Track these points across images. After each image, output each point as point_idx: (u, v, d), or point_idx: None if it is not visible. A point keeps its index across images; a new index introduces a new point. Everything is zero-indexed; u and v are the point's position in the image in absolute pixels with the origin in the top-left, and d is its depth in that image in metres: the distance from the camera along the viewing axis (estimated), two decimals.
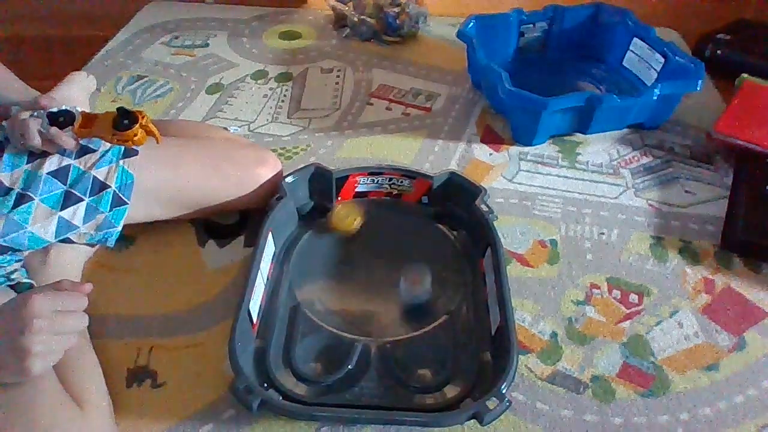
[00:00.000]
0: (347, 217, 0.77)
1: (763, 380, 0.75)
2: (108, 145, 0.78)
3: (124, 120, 0.70)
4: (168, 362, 0.75)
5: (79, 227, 0.74)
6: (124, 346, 0.76)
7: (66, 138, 0.71)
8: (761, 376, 0.75)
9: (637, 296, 0.84)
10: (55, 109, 0.71)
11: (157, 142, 0.74)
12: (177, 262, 0.87)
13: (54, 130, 0.70)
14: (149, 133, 0.72)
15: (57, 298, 0.56)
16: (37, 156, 0.74)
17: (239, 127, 1.14)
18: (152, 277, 0.85)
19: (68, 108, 0.72)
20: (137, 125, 0.70)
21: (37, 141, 0.70)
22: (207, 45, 1.40)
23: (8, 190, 0.71)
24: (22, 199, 0.71)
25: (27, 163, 0.73)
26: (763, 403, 0.72)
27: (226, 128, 1.12)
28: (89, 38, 1.41)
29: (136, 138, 0.71)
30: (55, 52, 1.40)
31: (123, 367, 0.74)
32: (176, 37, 1.42)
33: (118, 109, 0.71)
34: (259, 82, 1.28)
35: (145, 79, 1.27)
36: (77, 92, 0.86)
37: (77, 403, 0.62)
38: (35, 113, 0.71)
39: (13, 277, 0.72)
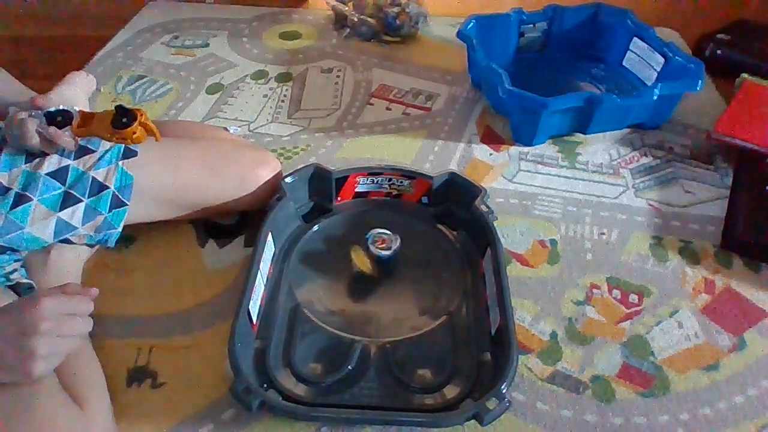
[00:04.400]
0: (363, 256, 0.81)
1: (763, 380, 0.75)
2: (107, 145, 0.77)
3: (122, 118, 0.70)
4: (168, 362, 0.75)
5: (77, 228, 0.74)
6: (124, 346, 0.76)
7: (65, 138, 0.71)
8: (761, 376, 0.75)
9: (637, 296, 0.84)
10: (52, 109, 0.71)
11: (156, 140, 0.74)
12: (177, 262, 0.87)
13: (53, 129, 0.70)
14: (148, 131, 0.72)
15: (64, 301, 0.56)
16: (35, 156, 0.74)
17: (239, 127, 1.14)
18: (152, 277, 0.85)
19: (66, 108, 0.72)
20: (136, 123, 0.70)
21: (35, 141, 0.70)
22: (207, 45, 1.40)
23: (6, 190, 0.71)
24: (20, 199, 0.71)
25: (25, 163, 0.73)
26: (763, 403, 0.72)
27: (226, 128, 1.12)
28: (89, 38, 1.41)
29: (135, 136, 0.70)
30: (55, 52, 1.40)
31: (123, 367, 0.74)
32: (176, 37, 1.42)
33: (116, 107, 0.71)
34: (259, 82, 1.28)
35: (145, 79, 1.27)
36: (77, 92, 0.86)
37: (78, 403, 0.62)
38: (33, 113, 0.71)
39: (12, 277, 0.72)
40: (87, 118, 0.72)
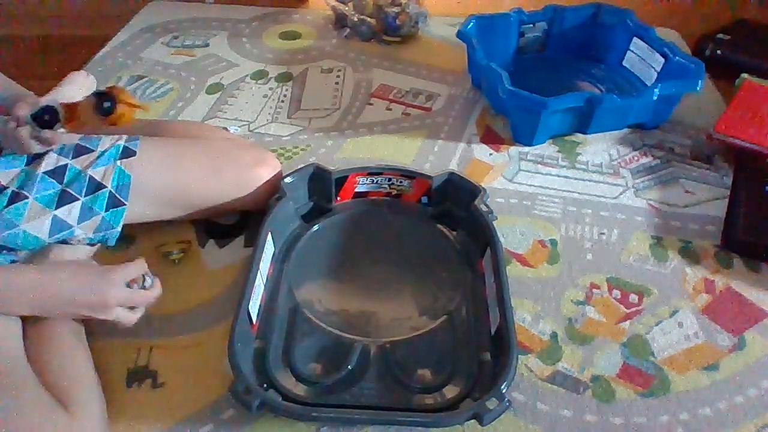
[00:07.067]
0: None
1: (763, 380, 0.75)
2: (106, 145, 0.77)
3: (104, 103, 0.67)
4: (168, 362, 0.75)
5: (73, 226, 0.74)
6: (124, 346, 0.76)
7: (63, 136, 0.70)
8: (761, 376, 0.75)
9: (637, 296, 0.84)
10: (37, 111, 0.68)
11: (145, 111, 0.71)
12: (177, 262, 0.87)
13: (49, 133, 0.68)
14: (131, 106, 0.69)
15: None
16: (36, 156, 0.74)
17: (239, 127, 1.14)
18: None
19: (47, 104, 0.68)
20: (118, 105, 0.68)
21: (36, 148, 0.69)
22: (207, 45, 1.40)
23: (2, 189, 0.72)
24: (16, 197, 0.71)
25: (26, 165, 0.74)
26: (763, 403, 0.72)
27: (225, 128, 1.12)
28: (89, 38, 1.41)
29: (124, 118, 0.68)
30: (55, 52, 1.40)
31: (123, 367, 0.74)
32: (176, 37, 1.42)
33: (94, 93, 0.68)
34: (259, 82, 1.28)
35: (145, 79, 1.27)
36: (77, 92, 0.86)
37: (64, 405, 0.61)
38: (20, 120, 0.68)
39: None
40: (71, 109, 0.68)
